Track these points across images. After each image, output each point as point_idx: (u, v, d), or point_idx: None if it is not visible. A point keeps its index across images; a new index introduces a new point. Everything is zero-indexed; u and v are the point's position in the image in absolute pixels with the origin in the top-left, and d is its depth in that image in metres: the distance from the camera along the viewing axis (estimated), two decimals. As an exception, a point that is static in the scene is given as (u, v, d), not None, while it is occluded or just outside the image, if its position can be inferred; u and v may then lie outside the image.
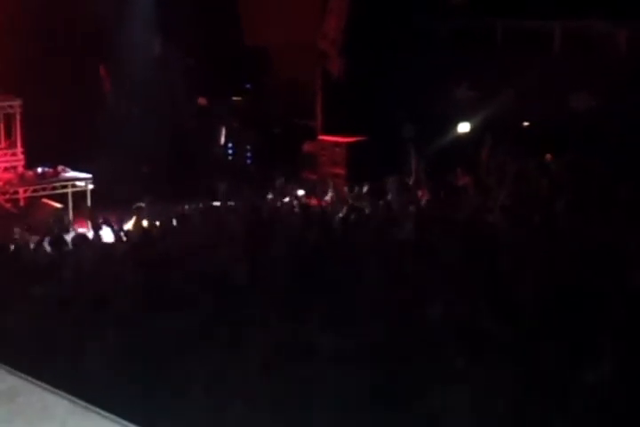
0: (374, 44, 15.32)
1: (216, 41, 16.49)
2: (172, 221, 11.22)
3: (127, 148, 14.85)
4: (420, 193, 11.98)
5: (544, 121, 15.11)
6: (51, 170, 14.31)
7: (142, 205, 12.36)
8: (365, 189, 12.61)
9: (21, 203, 14.41)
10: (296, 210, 11.21)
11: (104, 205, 13.25)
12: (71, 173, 14.42)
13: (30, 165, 14.56)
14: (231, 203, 12.81)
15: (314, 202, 13.87)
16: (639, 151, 13.10)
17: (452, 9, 15.93)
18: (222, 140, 16.57)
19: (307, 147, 16.13)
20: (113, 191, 13.83)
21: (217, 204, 12.55)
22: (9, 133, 14.62)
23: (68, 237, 10.77)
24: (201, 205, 12.36)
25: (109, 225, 11.10)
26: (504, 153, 13.76)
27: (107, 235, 11.11)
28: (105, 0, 15.09)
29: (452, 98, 15.59)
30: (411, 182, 12.87)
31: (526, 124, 15.66)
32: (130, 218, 12.54)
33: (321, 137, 15.88)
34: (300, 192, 13.73)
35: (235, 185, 14.55)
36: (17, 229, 11.04)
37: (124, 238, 10.92)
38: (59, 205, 14.01)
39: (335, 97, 15.82)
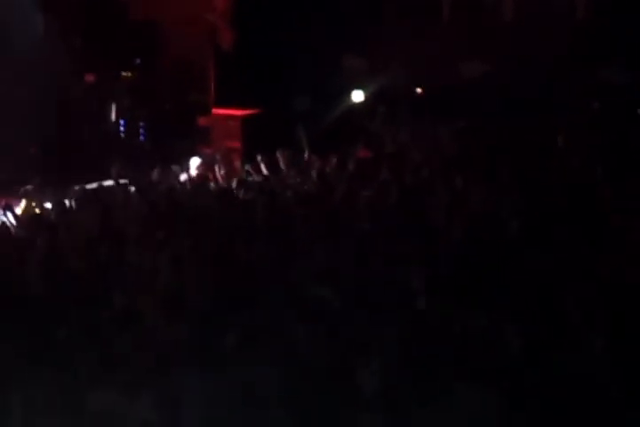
0: (263, 15, 15.16)
1: (101, 15, 16.09)
2: (62, 204, 11.02)
3: (13, 129, 14.42)
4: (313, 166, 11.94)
5: (436, 88, 15.25)
6: None
7: (30, 187, 12.04)
8: (259, 161, 12.50)
9: None
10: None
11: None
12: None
13: None
14: (124, 181, 12.62)
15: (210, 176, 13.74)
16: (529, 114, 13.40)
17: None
18: (113, 117, 16.22)
19: (202, 121, 15.92)
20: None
21: (109, 183, 12.31)
22: None
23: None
24: (92, 186, 12.10)
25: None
26: (398, 122, 13.85)
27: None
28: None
29: (345, 68, 15.57)
30: (305, 155, 12.83)
31: (419, 90, 15.77)
32: (19, 202, 12.23)
33: (215, 111, 15.70)
34: (195, 161, 13.49)
35: (128, 163, 14.31)
36: None
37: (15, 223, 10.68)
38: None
39: (227, 70, 15.64)
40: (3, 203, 11.13)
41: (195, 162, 13.28)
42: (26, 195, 12.19)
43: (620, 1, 14.63)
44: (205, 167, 12.61)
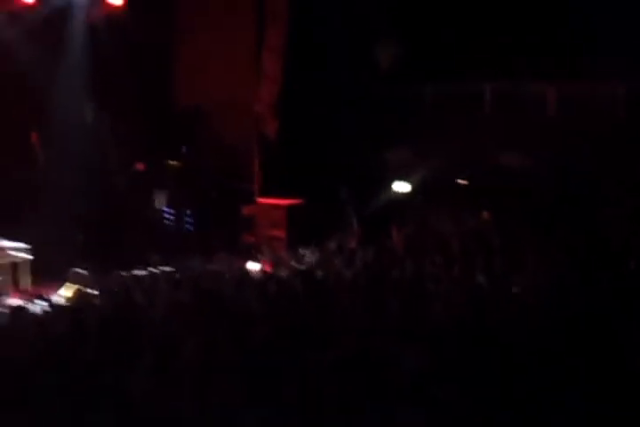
0: (309, 107, 15.45)
1: (150, 104, 16.44)
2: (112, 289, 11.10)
3: (62, 216, 14.61)
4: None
5: (478, 179, 15.36)
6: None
7: (81, 271, 12.18)
8: (307, 252, 12.59)
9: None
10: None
11: (42, 276, 13.04)
12: (7, 243, 14.02)
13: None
14: (171, 269, 12.71)
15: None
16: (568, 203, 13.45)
17: (383, 73, 16.16)
18: (160, 204, 16.42)
19: (246, 210, 16.09)
20: (50, 261, 13.54)
21: (154, 270, 12.42)
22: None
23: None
24: (137, 273, 12.21)
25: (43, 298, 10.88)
26: (439, 212, 13.93)
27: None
28: (37, 66, 14.96)
29: (388, 159, 15.76)
30: (351, 244, 12.92)
31: (463, 182, 15.86)
32: (65, 286, 12.33)
33: (260, 200, 15.88)
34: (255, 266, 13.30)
35: (174, 251, 14.45)
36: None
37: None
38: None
39: (272, 160, 15.87)
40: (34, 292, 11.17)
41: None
42: (75, 278, 12.31)
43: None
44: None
